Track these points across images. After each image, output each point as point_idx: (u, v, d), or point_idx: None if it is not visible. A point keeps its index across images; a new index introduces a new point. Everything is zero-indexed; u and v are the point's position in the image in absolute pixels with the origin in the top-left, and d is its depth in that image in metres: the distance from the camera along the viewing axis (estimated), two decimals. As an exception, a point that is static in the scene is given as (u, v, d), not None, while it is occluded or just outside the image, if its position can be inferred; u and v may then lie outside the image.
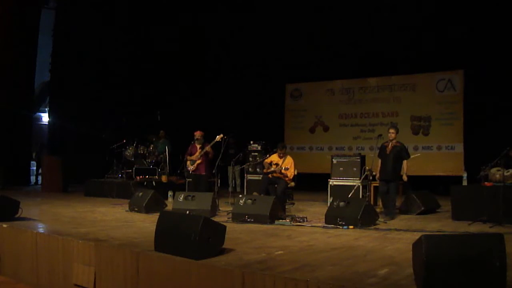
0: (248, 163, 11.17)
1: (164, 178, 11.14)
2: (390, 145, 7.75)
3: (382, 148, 7.88)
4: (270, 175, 8.50)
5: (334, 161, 9.67)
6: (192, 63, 15.47)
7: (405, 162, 7.64)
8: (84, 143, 14.47)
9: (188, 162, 9.12)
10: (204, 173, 9.04)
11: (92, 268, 4.77)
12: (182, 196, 7.70)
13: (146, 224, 6.56)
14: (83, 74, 14.98)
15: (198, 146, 9.09)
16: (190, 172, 9.13)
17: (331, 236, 5.75)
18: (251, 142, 11.61)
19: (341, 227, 6.38)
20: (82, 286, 4.81)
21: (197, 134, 9.19)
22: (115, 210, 8.55)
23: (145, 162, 11.92)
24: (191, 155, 9.13)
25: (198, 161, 8.95)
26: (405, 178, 7.66)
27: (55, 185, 12.10)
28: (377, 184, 8.89)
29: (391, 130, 7.80)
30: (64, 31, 15.56)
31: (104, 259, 4.70)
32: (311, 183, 12.17)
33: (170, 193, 10.15)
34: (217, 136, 8.73)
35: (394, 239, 5.53)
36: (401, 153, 7.64)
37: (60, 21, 15.96)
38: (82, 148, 14.42)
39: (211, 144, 8.86)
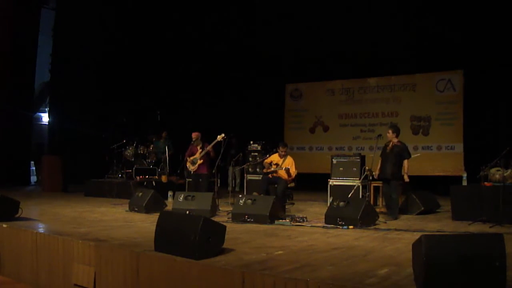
0: (248, 163, 11.17)
1: (164, 178, 11.14)
2: (390, 144, 7.76)
3: (384, 148, 7.89)
4: (270, 175, 8.51)
5: (334, 161, 9.66)
6: (193, 63, 15.47)
7: (406, 161, 7.56)
8: (84, 143, 14.47)
9: (189, 163, 9.13)
10: (205, 173, 9.06)
11: (92, 268, 4.77)
12: (182, 196, 7.70)
13: (146, 224, 6.56)
14: (83, 74, 14.98)
15: (198, 147, 9.12)
16: (192, 172, 9.14)
17: (331, 236, 5.74)
18: (251, 142, 11.61)
19: (341, 227, 6.38)
20: (82, 286, 4.81)
21: (194, 135, 9.22)
22: (115, 210, 8.55)
23: (145, 162, 11.93)
24: (191, 155, 9.15)
25: (200, 161, 8.96)
26: (406, 178, 7.56)
27: (55, 185, 12.11)
28: (377, 184, 8.92)
29: (388, 131, 7.82)
30: (64, 31, 15.56)
31: (104, 259, 4.70)
32: (311, 183, 12.17)
33: (170, 193, 10.16)
34: (218, 136, 8.72)
35: (394, 239, 5.53)
36: (401, 153, 7.60)
37: (60, 21, 15.96)
38: (82, 148, 14.42)
39: (212, 144, 8.87)
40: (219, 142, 8.75)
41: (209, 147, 8.92)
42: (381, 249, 4.86)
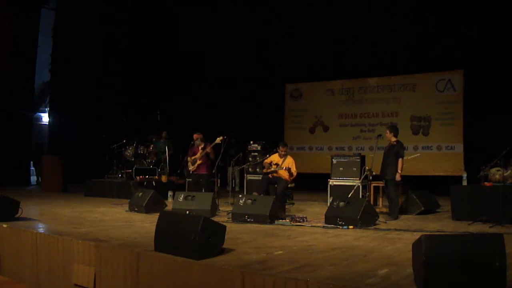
0: (248, 163, 11.16)
1: (164, 178, 11.14)
2: (388, 144, 7.77)
3: (385, 148, 7.92)
4: (270, 175, 8.51)
5: (334, 161, 9.66)
6: (193, 63, 15.47)
7: (400, 160, 7.51)
8: (84, 143, 14.47)
9: (189, 163, 9.22)
10: (205, 173, 9.11)
11: (92, 268, 4.77)
12: (182, 196, 7.70)
13: (146, 224, 6.56)
14: (83, 74, 14.98)
15: (199, 147, 9.19)
16: (191, 172, 9.24)
17: (331, 236, 5.74)
18: (251, 142, 11.60)
19: (341, 227, 6.38)
20: (82, 286, 4.81)
21: (195, 136, 9.32)
22: (115, 210, 8.54)
23: (145, 162, 11.92)
24: (193, 155, 9.26)
25: (199, 161, 9.04)
26: (398, 177, 7.47)
27: (55, 185, 12.10)
28: (377, 184, 8.92)
29: (386, 131, 7.86)
30: (64, 31, 15.56)
31: (104, 259, 4.70)
32: (311, 183, 12.17)
33: (170, 193, 10.17)
34: (217, 138, 8.82)
35: (394, 239, 5.53)
36: (397, 152, 7.55)
37: (60, 21, 15.96)
38: (82, 148, 14.42)
39: (211, 145, 8.96)
40: (218, 143, 8.83)
41: (208, 149, 9.00)
42: (381, 249, 4.86)
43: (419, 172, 11.72)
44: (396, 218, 7.36)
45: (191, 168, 9.21)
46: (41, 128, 18.58)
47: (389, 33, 12.48)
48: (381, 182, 8.47)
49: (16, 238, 5.81)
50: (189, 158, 9.30)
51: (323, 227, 6.50)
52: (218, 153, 8.91)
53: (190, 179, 9.87)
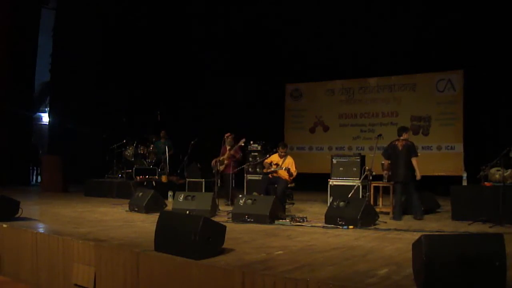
0: (248, 163, 11.16)
1: (164, 178, 11.15)
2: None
3: None
4: (270, 175, 8.51)
5: (334, 161, 9.65)
6: (193, 63, 15.47)
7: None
8: (84, 143, 14.47)
9: (218, 163, 9.67)
10: (229, 173, 9.51)
11: (92, 268, 4.77)
12: (182, 196, 7.70)
13: (146, 224, 6.56)
14: (83, 74, 14.98)
15: (227, 147, 9.55)
16: (219, 171, 9.61)
17: (331, 236, 5.74)
18: (251, 142, 11.59)
19: (341, 227, 6.38)
20: (82, 286, 4.81)
21: (225, 136, 9.73)
22: (115, 210, 8.54)
23: (145, 162, 11.92)
24: (222, 156, 9.72)
25: (226, 162, 9.43)
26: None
27: (55, 185, 12.11)
28: (377, 184, 8.90)
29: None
30: (64, 31, 15.57)
31: (104, 259, 4.70)
32: (311, 183, 12.16)
33: (170, 193, 10.19)
34: (240, 141, 9.28)
35: (394, 239, 5.53)
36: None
37: (60, 21, 15.97)
38: (82, 148, 14.41)
39: (234, 148, 9.45)
40: (241, 145, 9.44)
41: (232, 151, 9.52)
42: (381, 249, 4.86)
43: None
44: (394, 218, 7.34)
45: (220, 168, 9.58)
46: (41, 128, 18.59)
47: (389, 33, 12.48)
48: (381, 182, 8.50)
49: (16, 238, 5.81)
50: (216, 159, 9.67)
51: (323, 227, 6.50)
52: (243, 153, 9.56)
53: (214, 179, 10.29)
